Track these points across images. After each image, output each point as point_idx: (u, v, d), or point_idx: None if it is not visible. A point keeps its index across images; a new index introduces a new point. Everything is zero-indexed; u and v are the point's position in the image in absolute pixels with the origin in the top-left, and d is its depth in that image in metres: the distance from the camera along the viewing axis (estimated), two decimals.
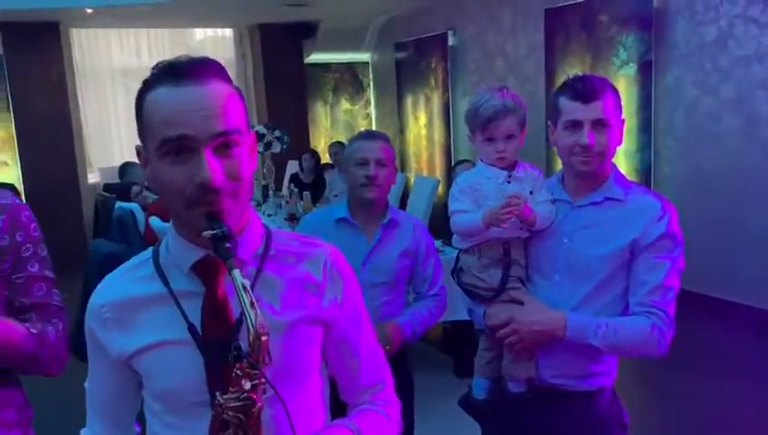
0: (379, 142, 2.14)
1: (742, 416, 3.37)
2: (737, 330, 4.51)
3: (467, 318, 1.92)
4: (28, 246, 1.33)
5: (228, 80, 0.99)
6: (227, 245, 0.90)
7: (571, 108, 1.60)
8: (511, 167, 1.72)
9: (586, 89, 1.59)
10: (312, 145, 8.62)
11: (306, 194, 5.76)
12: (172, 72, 0.94)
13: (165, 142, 0.93)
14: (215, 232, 0.91)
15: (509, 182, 1.70)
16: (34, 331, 1.29)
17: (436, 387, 3.38)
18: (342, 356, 1.12)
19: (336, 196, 6.30)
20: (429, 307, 2.17)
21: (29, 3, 6.28)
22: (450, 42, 7.40)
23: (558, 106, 1.64)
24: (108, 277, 1.09)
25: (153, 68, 0.97)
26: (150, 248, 1.08)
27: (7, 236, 1.30)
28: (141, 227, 4.74)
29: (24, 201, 1.43)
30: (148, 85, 0.96)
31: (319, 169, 6.97)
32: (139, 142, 1.00)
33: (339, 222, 2.15)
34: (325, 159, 7.62)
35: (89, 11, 6.81)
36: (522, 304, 1.68)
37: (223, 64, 1.02)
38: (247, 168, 0.97)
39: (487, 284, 1.72)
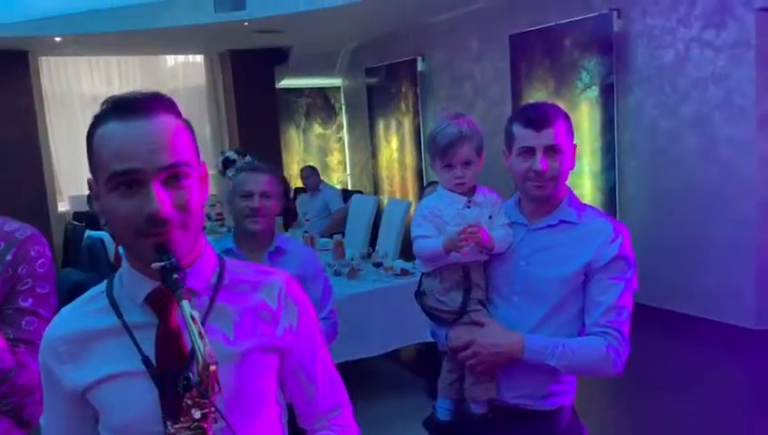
0: (264, 175, 2.21)
1: (704, 431, 3.42)
2: (702, 344, 4.59)
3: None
4: (27, 280, 1.31)
5: (177, 113, 1.02)
6: (176, 276, 0.92)
7: (524, 135, 1.65)
8: (471, 191, 1.77)
9: (537, 116, 1.64)
10: (285, 169, 8.64)
11: (278, 219, 5.76)
12: (120, 108, 0.97)
13: (114, 176, 0.95)
14: (163, 263, 0.92)
15: (469, 207, 1.75)
16: (16, 349, 1.25)
17: (410, 408, 3.39)
18: (299, 383, 1.13)
19: (308, 220, 6.32)
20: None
21: None
22: (419, 67, 7.52)
23: (512, 133, 1.69)
24: (62, 311, 1.09)
25: (102, 103, 1.00)
26: (105, 281, 1.09)
27: (10, 268, 1.29)
28: (111, 256, 4.70)
29: None
30: (97, 120, 0.99)
31: (288, 193, 6.96)
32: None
33: (225, 253, 2.19)
34: (298, 183, 7.65)
35: (57, 39, 6.79)
36: (482, 326, 1.71)
37: (174, 99, 1.05)
38: (197, 199, 0.99)
39: (449, 307, 1.75)
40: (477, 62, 6.76)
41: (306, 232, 5.45)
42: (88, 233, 5.06)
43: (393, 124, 8.13)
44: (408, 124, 7.84)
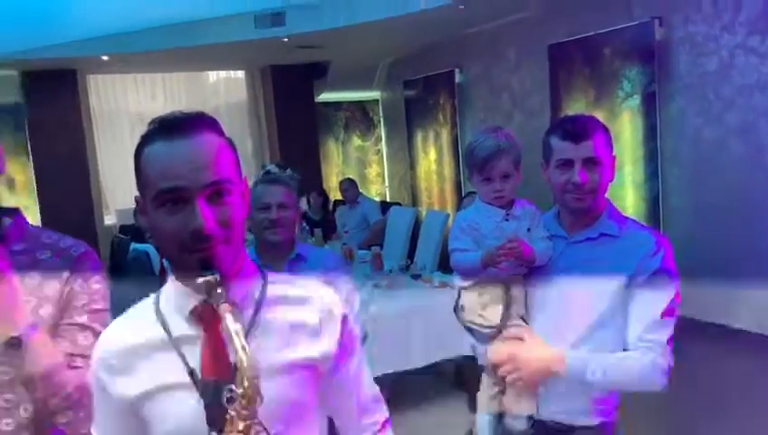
0: (281, 187, 2.23)
1: None
2: (751, 359, 4.45)
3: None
4: (83, 296, 1.33)
5: (220, 132, 1.05)
6: (219, 290, 0.95)
7: (562, 147, 1.65)
8: (509, 204, 1.76)
9: (576, 128, 1.63)
10: (325, 182, 8.73)
11: (317, 231, 5.83)
12: (165, 128, 1.01)
13: (160, 194, 0.99)
14: (207, 278, 0.95)
15: (507, 220, 1.74)
16: (72, 364, 1.27)
17: (449, 422, 3.37)
18: (338, 395, 1.15)
19: (347, 232, 6.37)
20: None
21: (47, 52, 6.50)
22: (457, 79, 7.53)
23: (550, 145, 1.69)
24: (112, 324, 1.13)
25: (149, 124, 1.04)
26: (152, 295, 1.13)
27: (66, 284, 1.32)
28: (156, 269, 4.81)
29: None
30: (144, 140, 1.03)
31: (327, 206, 7.04)
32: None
33: None
34: (337, 195, 7.73)
35: (104, 58, 7.03)
36: (522, 340, 1.70)
37: (217, 115, 1.08)
38: (239, 214, 1.02)
39: (488, 321, 1.74)
40: (516, 73, 6.74)
41: (345, 244, 5.50)
42: (133, 246, 5.19)
43: (431, 136, 8.15)
44: (445, 136, 7.85)
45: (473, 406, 3.28)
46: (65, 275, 1.32)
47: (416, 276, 4.25)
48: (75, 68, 7.55)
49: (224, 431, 0.91)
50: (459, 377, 4.44)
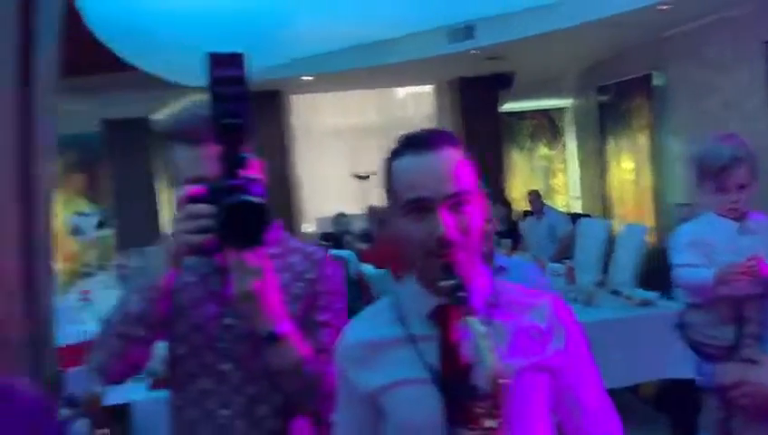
0: None
1: None
2: None
3: (686, 376, 1.83)
4: (325, 296, 1.45)
5: (459, 146, 1.13)
6: (461, 294, 1.01)
7: None
8: (742, 217, 1.64)
9: None
10: (511, 192, 8.65)
11: (506, 241, 5.80)
12: (413, 144, 1.11)
13: (407, 203, 1.08)
14: (450, 282, 1.02)
15: (741, 234, 1.63)
16: (319, 361, 1.36)
17: None
18: (566, 404, 1.16)
19: (536, 241, 6.26)
20: None
21: (258, 75, 7.18)
22: (655, 82, 7.08)
23: None
24: (355, 321, 1.24)
25: (398, 140, 1.14)
26: (391, 296, 1.21)
27: (311, 286, 1.45)
28: (353, 274, 5.09)
29: None
30: (394, 155, 1.13)
31: (511, 216, 6.96)
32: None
33: None
34: (521, 206, 7.64)
35: (305, 78, 7.61)
36: (756, 364, 1.57)
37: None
38: (477, 223, 1.09)
39: (718, 341, 1.64)
40: (725, 74, 6.17)
41: (535, 256, 5.41)
42: (331, 252, 5.54)
43: (625, 143, 7.73)
44: (642, 142, 7.39)
45: (677, 431, 3.07)
46: (310, 276, 1.45)
47: (615, 292, 4.06)
48: (280, 89, 8.26)
49: (469, 428, 0.96)
50: (661, 400, 4.17)
